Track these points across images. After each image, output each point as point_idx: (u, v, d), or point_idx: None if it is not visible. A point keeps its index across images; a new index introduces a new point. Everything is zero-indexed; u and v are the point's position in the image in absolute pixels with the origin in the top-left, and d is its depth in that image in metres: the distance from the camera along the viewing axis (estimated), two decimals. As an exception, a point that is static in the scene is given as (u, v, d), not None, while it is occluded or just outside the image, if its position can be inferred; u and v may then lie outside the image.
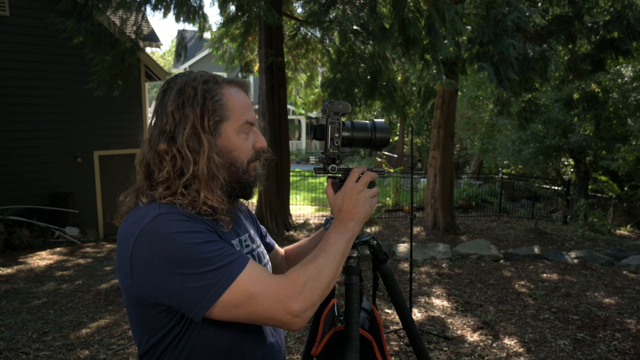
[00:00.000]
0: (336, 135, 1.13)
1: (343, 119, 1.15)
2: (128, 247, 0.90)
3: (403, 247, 6.55)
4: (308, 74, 10.18)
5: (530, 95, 8.04)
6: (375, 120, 1.20)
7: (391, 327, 3.87)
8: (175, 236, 0.88)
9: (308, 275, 0.94)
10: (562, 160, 14.87)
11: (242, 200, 1.13)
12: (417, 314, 4.22)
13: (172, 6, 6.52)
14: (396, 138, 20.96)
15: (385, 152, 20.35)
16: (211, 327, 0.95)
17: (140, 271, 0.89)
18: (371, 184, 1.12)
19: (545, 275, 5.41)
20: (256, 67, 9.35)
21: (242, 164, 1.03)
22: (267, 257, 1.21)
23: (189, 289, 0.87)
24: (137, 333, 1.00)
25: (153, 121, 1.02)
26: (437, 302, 4.56)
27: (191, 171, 0.96)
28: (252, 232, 1.18)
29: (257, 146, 1.06)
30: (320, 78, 10.86)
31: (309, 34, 9.22)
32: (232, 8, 7.86)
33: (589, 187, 13.71)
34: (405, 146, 20.81)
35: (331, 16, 6.64)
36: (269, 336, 1.07)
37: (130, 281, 0.91)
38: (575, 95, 10.68)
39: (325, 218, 1.36)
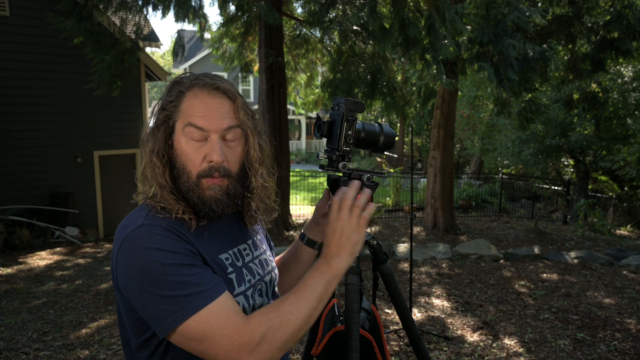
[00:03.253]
0: (350, 133, 1.12)
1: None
2: (115, 251, 0.91)
3: (403, 247, 6.55)
4: (308, 74, 10.17)
5: (530, 95, 8.04)
6: (382, 123, 1.20)
7: (391, 327, 3.87)
8: (149, 251, 0.86)
9: (269, 325, 0.85)
10: (562, 160, 14.87)
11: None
12: (417, 314, 4.22)
13: (172, 6, 6.52)
14: (396, 138, 20.96)
15: (386, 152, 20.36)
16: None
17: (121, 276, 0.90)
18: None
19: (545, 275, 5.41)
20: (256, 67, 9.35)
21: (190, 174, 0.94)
22: (273, 263, 1.17)
23: (153, 309, 0.86)
24: (123, 332, 1.00)
25: None
26: (437, 302, 4.56)
27: (141, 171, 0.97)
28: (258, 237, 1.15)
29: (207, 158, 0.94)
30: (320, 78, 10.85)
31: (309, 34, 9.21)
32: (232, 8, 7.85)
33: (589, 187, 13.70)
34: (405, 146, 20.81)
35: (331, 16, 6.64)
36: None
37: (116, 283, 0.93)
38: (575, 95, 10.68)
39: (301, 231, 1.30)
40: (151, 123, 0.98)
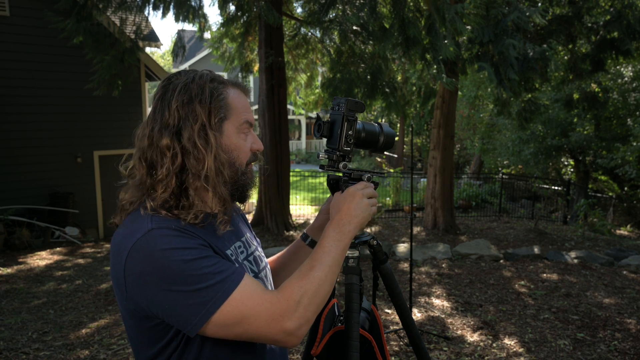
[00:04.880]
0: (350, 133, 1.12)
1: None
2: (121, 262, 0.89)
3: (403, 247, 6.55)
4: (308, 74, 10.17)
5: (530, 95, 8.04)
6: (382, 123, 1.20)
7: (391, 327, 3.87)
8: (166, 253, 0.86)
9: (303, 291, 0.92)
10: (562, 160, 14.87)
11: (238, 203, 1.12)
12: (417, 314, 4.22)
13: (172, 6, 6.52)
14: (396, 138, 20.96)
15: (386, 152, 20.35)
16: (210, 338, 0.94)
17: (133, 286, 0.88)
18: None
19: (545, 275, 5.41)
20: (256, 67, 9.35)
21: (241, 164, 1.03)
22: (265, 259, 1.19)
23: (181, 306, 0.86)
24: (134, 344, 0.99)
25: (152, 116, 0.98)
26: (437, 302, 4.56)
27: (195, 169, 0.95)
28: (248, 235, 1.17)
29: (254, 148, 1.05)
30: (320, 78, 10.85)
31: (309, 34, 9.21)
32: (232, 8, 7.85)
33: (589, 187, 13.70)
34: (405, 146, 20.81)
35: (331, 16, 6.64)
36: (268, 344, 1.05)
37: (125, 295, 0.90)
38: (575, 95, 10.68)
39: (304, 232, 1.30)
40: (200, 119, 0.96)
